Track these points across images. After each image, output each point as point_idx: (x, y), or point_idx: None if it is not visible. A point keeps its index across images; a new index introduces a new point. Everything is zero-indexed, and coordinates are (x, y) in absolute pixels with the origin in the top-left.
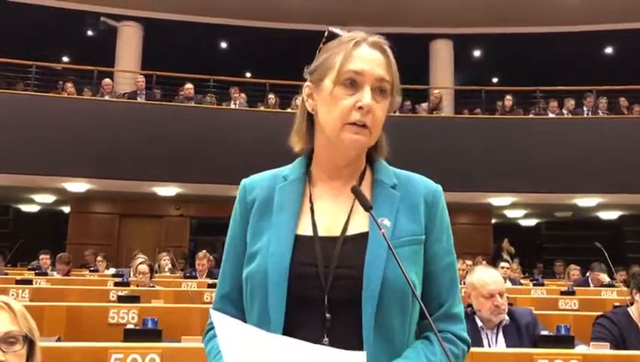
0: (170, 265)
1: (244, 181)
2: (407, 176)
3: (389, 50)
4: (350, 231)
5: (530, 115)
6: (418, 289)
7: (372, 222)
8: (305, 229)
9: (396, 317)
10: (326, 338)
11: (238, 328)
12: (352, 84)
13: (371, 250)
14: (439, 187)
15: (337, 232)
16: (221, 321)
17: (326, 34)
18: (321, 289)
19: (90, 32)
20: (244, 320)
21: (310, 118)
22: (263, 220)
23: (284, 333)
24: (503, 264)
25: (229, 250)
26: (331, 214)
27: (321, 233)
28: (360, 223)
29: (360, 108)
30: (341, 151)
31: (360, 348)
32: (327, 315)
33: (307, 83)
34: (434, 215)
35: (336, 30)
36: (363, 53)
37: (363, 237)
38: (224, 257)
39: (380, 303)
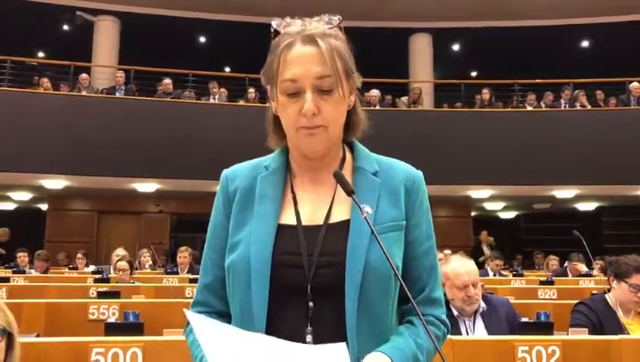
0: (150, 262)
1: (225, 171)
2: (388, 162)
3: (323, 41)
4: (333, 220)
5: (509, 108)
6: (400, 273)
7: (354, 209)
8: (288, 218)
9: (380, 301)
10: (309, 327)
11: (215, 328)
12: (293, 92)
13: (353, 236)
14: (420, 173)
15: (320, 221)
16: (198, 322)
17: (272, 30)
18: (304, 277)
19: (66, 27)
20: (227, 311)
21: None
22: (245, 210)
23: (267, 323)
24: (497, 261)
25: (211, 239)
26: (313, 203)
27: (304, 222)
28: (342, 211)
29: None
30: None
31: (344, 334)
32: (310, 303)
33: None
34: (414, 201)
35: (274, 24)
36: (296, 55)
37: (345, 224)
38: (206, 246)
39: (363, 288)
